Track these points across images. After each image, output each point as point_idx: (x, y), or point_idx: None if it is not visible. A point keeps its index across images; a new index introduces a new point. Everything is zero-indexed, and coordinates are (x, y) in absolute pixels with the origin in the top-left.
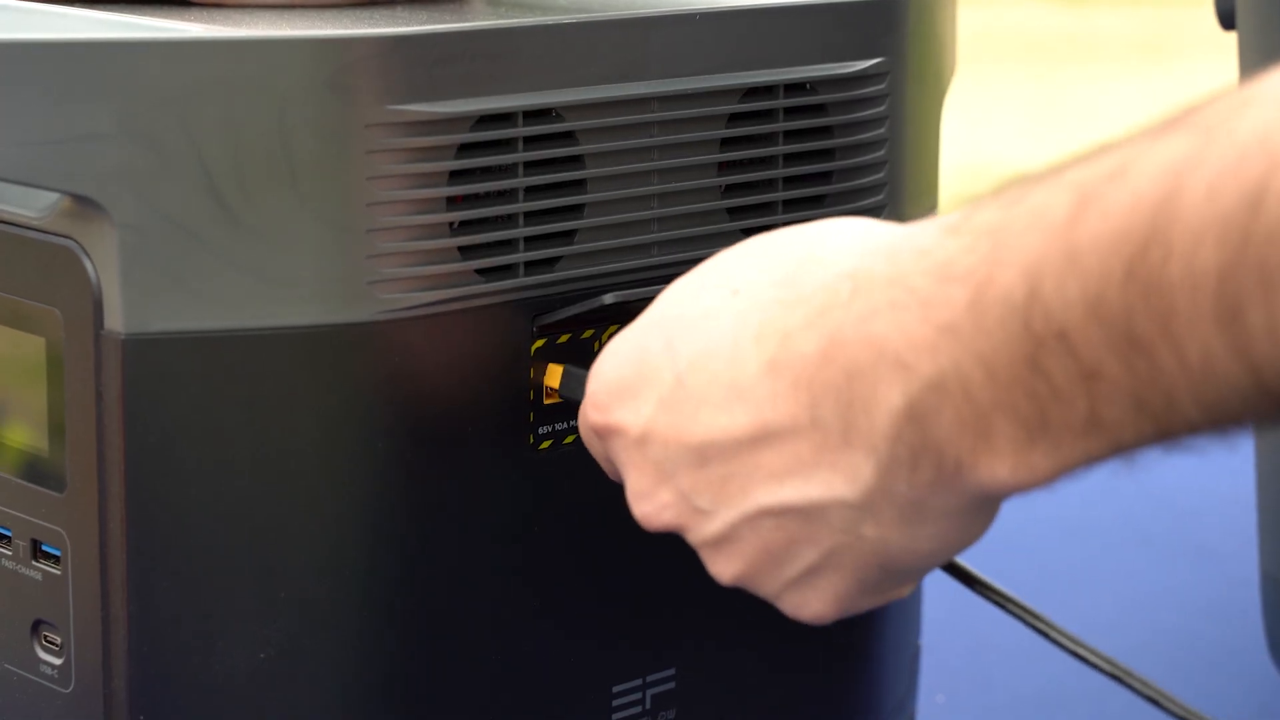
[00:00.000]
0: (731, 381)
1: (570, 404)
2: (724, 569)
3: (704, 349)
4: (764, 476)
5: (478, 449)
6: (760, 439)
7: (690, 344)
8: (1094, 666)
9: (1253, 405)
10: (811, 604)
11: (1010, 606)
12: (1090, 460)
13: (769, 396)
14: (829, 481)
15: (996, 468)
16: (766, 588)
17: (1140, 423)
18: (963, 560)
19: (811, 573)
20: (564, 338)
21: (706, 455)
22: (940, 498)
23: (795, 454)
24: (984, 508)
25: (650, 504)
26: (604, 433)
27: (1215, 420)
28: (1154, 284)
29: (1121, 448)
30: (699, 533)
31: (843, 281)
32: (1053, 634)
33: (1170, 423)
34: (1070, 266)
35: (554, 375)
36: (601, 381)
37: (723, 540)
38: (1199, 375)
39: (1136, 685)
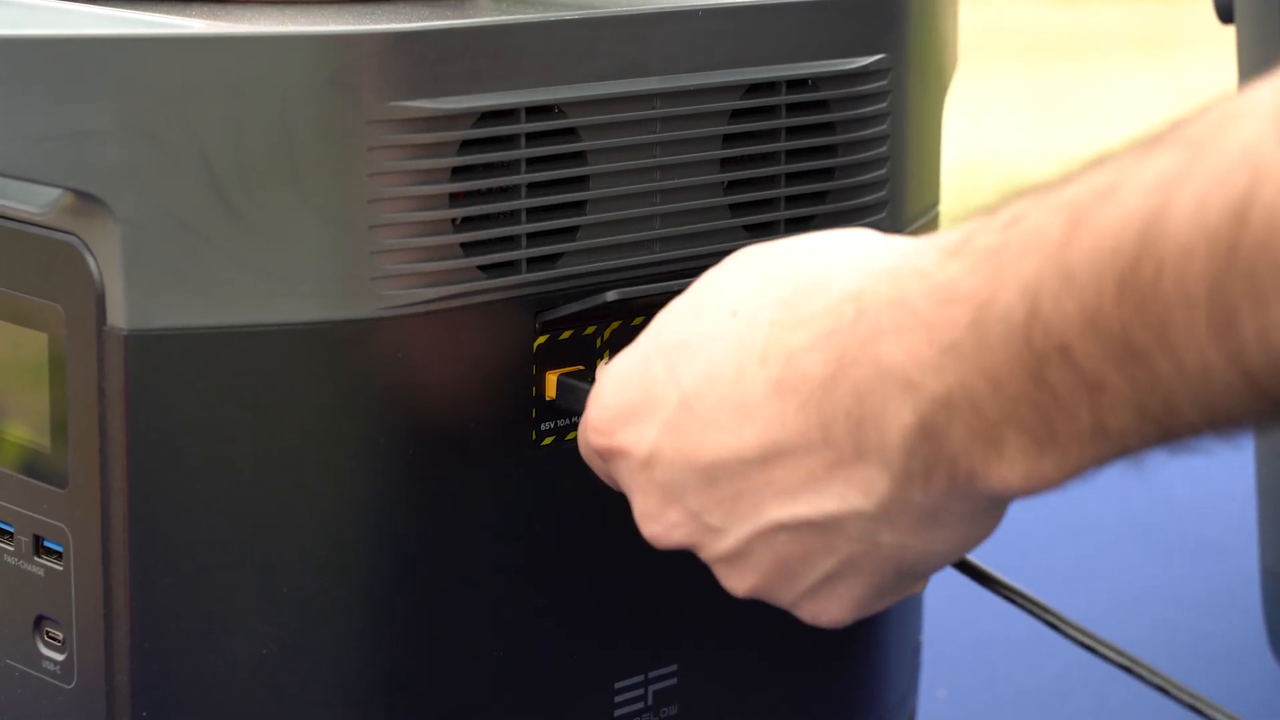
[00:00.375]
0: (739, 403)
1: (567, 413)
2: (738, 583)
3: (708, 372)
4: (775, 493)
5: (480, 445)
6: (770, 457)
7: (693, 367)
8: (1104, 658)
9: (1251, 408)
10: (829, 610)
11: (1019, 600)
12: (1099, 463)
13: (777, 416)
14: (843, 495)
15: (1008, 475)
16: (783, 598)
17: (1144, 429)
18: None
19: (828, 580)
20: (566, 334)
21: (715, 475)
22: (955, 503)
23: (808, 470)
24: (998, 506)
25: (659, 524)
26: (607, 455)
27: (1216, 423)
28: (1148, 297)
29: (1128, 451)
30: (712, 550)
31: (846, 304)
32: (1062, 626)
33: (1173, 427)
34: (1066, 284)
35: (550, 385)
36: (603, 407)
37: (736, 556)
38: (1197, 382)
39: (1145, 674)
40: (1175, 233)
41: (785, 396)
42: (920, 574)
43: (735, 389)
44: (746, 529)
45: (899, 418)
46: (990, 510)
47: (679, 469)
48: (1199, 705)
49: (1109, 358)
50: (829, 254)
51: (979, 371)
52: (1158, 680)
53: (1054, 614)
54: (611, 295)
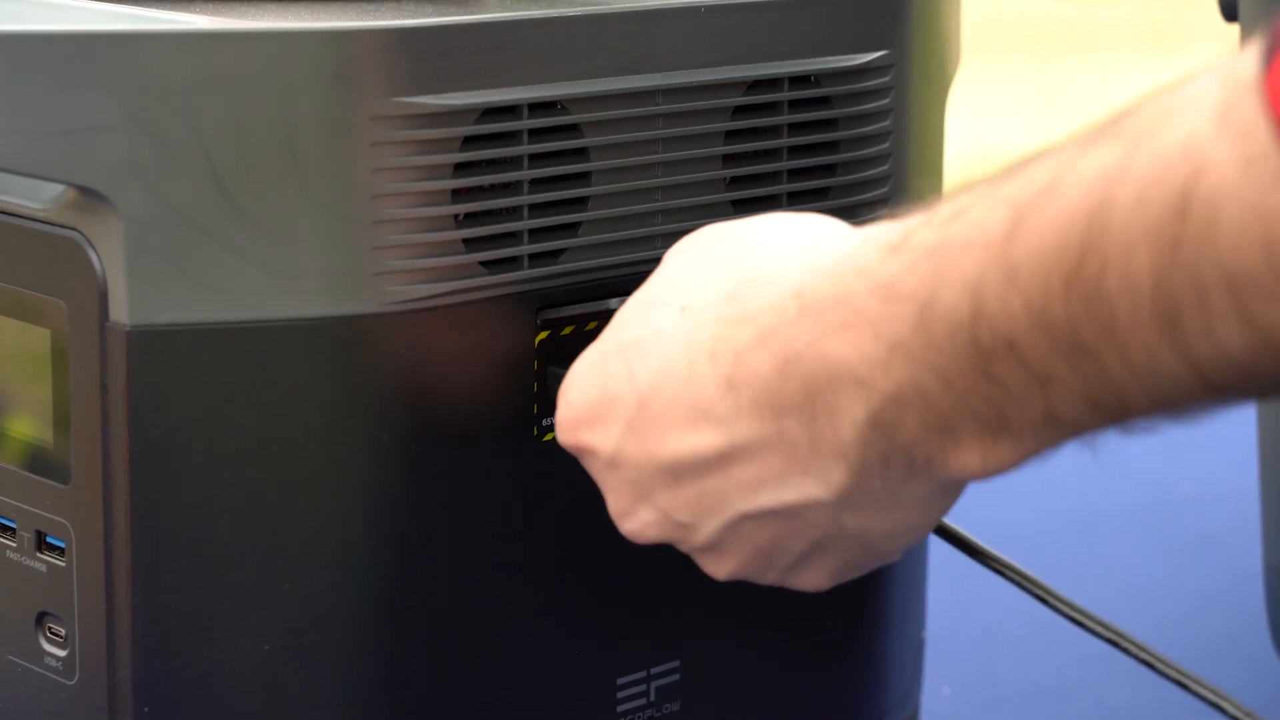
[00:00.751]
0: (692, 401)
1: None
2: (717, 569)
3: (660, 371)
4: (737, 487)
5: (482, 440)
6: (728, 455)
7: (647, 365)
8: (1092, 632)
9: (1200, 398)
10: (809, 580)
11: (1010, 574)
12: (1055, 445)
13: (731, 414)
14: (801, 486)
15: (966, 461)
16: (762, 578)
17: (1096, 416)
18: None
19: (802, 559)
20: (568, 329)
21: (678, 474)
22: (915, 486)
23: (766, 464)
24: (959, 485)
25: (634, 522)
26: (576, 454)
27: (1167, 411)
28: (1093, 294)
29: (1082, 434)
30: (687, 543)
31: (789, 300)
32: (1051, 600)
33: (1125, 415)
34: (1011, 283)
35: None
36: (568, 405)
37: (711, 547)
38: (1146, 375)
39: (1132, 649)
40: (1118, 229)
41: (737, 394)
42: (888, 550)
43: (688, 387)
44: (715, 522)
45: (851, 412)
46: (951, 488)
47: (644, 468)
48: (1185, 681)
49: (1057, 353)
50: (773, 244)
51: (928, 368)
52: (1145, 656)
53: (1041, 586)
54: (614, 303)
